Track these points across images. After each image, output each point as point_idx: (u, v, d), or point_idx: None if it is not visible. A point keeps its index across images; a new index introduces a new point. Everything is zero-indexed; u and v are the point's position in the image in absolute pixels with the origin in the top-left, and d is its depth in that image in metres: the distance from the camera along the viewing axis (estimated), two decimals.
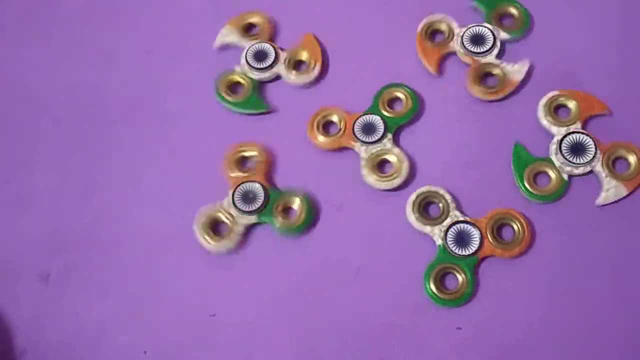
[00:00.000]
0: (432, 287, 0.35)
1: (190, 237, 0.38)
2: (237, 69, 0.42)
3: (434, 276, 0.36)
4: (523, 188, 0.37)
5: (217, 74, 0.42)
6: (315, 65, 0.42)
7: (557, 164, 0.38)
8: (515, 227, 0.36)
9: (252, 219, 0.38)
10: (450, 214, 0.37)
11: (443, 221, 0.37)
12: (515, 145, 0.38)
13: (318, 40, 0.43)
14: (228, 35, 0.43)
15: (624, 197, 0.37)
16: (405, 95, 0.40)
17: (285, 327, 0.36)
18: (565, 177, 0.37)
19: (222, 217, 0.38)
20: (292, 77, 0.42)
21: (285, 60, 0.42)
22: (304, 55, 0.42)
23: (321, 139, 0.39)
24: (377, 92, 0.40)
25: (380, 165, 0.39)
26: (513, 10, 0.42)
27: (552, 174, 0.38)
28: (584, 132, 0.38)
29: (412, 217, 0.37)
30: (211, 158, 0.40)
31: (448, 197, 0.37)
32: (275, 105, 0.42)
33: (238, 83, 0.42)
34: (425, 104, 0.41)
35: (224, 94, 0.41)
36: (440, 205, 0.37)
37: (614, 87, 0.40)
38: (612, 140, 0.38)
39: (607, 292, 0.35)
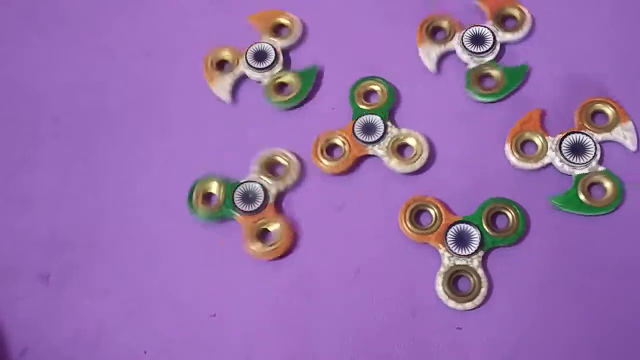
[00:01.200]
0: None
1: (190, 238, 0.38)
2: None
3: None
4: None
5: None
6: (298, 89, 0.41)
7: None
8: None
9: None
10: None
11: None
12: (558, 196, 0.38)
13: None
14: (258, 20, 0.43)
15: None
16: (382, 88, 0.40)
17: (285, 327, 0.36)
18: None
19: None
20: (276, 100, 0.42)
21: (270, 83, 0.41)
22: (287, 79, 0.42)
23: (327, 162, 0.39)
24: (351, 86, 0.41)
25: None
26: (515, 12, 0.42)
27: (608, 186, 0.37)
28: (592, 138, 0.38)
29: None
30: (211, 158, 0.40)
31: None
32: (275, 104, 0.42)
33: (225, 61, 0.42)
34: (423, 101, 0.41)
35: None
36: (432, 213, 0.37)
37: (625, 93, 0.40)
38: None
39: (601, 291, 0.36)
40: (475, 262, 0.36)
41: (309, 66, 0.42)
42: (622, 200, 0.37)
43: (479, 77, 0.40)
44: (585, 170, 0.37)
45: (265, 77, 0.42)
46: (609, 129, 0.38)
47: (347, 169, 0.39)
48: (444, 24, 0.42)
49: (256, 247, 0.37)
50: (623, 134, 0.38)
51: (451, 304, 0.35)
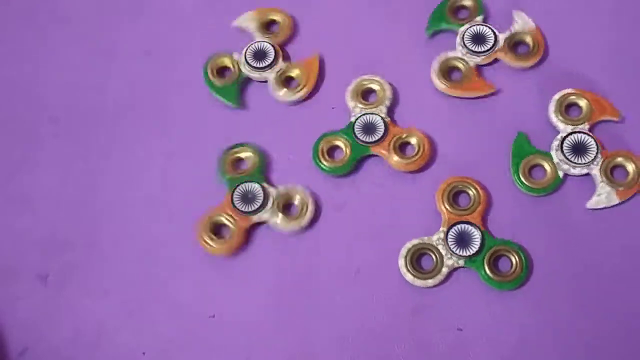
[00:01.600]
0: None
1: (189, 238, 0.38)
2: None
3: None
4: (516, 177, 0.37)
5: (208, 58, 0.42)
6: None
7: (555, 160, 0.37)
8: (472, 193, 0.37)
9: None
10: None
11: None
12: (518, 134, 0.38)
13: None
14: (248, 21, 0.43)
15: (615, 205, 0.37)
16: (381, 86, 0.40)
17: (284, 327, 0.36)
18: (561, 174, 0.37)
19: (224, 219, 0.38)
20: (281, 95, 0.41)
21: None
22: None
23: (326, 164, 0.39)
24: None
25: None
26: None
27: (548, 169, 0.38)
28: (589, 133, 0.38)
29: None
30: (211, 158, 0.40)
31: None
32: (275, 103, 0.42)
33: (226, 67, 0.42)
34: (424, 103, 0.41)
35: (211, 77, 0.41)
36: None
37: (629, 93, 0.40)
38: (617, 147, 0.38)
39: (603, 290, 0.36)
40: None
41: (310, 56, 0.42)
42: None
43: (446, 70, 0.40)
44: None
45: (272, 73, 0.42)
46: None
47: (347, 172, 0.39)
48: (468, 2, 0.42)
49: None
50: None
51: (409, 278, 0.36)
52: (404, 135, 0.39)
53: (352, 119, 0.39)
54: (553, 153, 0.38)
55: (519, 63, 0.40)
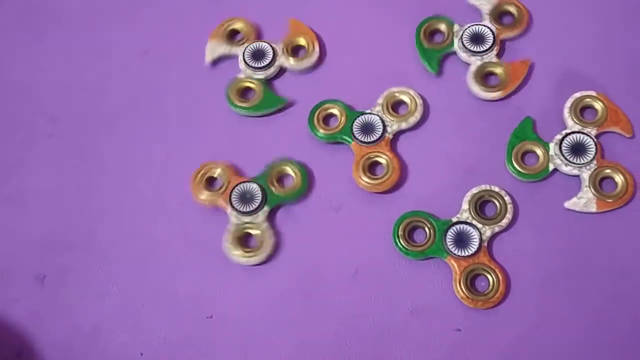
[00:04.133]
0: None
1: (187, 238, 0.38)
2: (241, 75, 0.42)
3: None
4: (508, 156, 0.38)
5: (227, 84, 0.41)
6: (314, 47, 0.42)
7: (551, 152, 0.38)
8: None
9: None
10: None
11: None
12: (525, 118, 0.39)
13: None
14: (215, 49, 0.43)
15: (591, 213, 0.37)
16: (411, 99, 0.40)
17: (283, 328, 0.36)
18: (551, 167, 0.37)
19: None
20: (292, 63, 0.42)
21: (283, 49, 0.42)
22: (301, 41, 0.42)
23: (322, 132, 0.40)
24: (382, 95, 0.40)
25: (371, 167, 0.39)
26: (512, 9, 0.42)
27: (540, 158, 0.38)
28: (593, 138, 0.38)
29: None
30: (209, 158, 0.40)
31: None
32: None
33: (248, 88, 0.42)
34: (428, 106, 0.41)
35: (236, 102, 0.41)
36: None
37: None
38: (616, 161, 0.38)
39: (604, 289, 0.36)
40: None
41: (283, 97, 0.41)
42: None
43: (482, 76, 0.40)
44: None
45: (264, 74, 0.42)
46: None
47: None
48: (442, 26, 0.42)
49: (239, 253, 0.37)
50: None
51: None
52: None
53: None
54: (552, 145, 0.38)
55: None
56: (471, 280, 0.36)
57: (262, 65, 0.42)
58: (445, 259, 0.36)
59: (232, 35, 0.44)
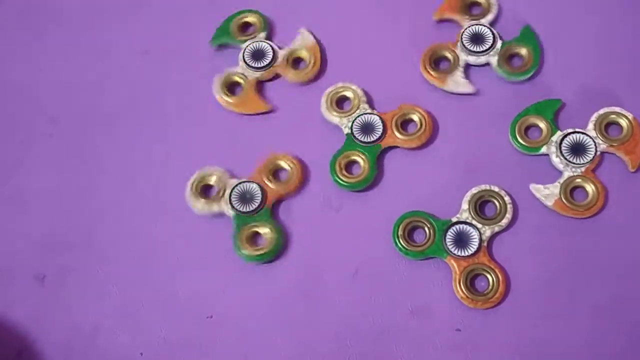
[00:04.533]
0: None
1: (187, 239, 0.38)
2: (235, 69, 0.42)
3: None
4: (512, 125, 0.38)
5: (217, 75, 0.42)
6: (314, 62, 0.41)
7: (552, 150, 0.38)
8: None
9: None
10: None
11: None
12: (556, 100, 0.39)
13: (315, 38, 0.42)
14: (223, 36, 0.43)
15: (548, 210, 0.37)
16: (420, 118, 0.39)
17: (283, 328, 0.36)
18: (544, 149, 0.38)
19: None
20: (290, 75, 0.41)
21: (284, 58, 0.42)
22: (302, 53, 0.42)
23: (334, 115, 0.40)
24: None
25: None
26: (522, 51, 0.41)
27: (544, 131, 0.38)
28: (594, 139, 0.38)
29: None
30: (209, 158, 0.40)
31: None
32: (276, 104, 0.41)
33: (237, 84, 0.42)
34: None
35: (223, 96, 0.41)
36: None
37: None
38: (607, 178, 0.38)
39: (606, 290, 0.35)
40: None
41: None
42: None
43: (506, 58, 0.40)
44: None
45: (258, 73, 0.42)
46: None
47: None
48: (446, 53, 0.41)
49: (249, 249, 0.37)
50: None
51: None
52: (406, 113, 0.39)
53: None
54: (552, 144, 0.38)
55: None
56: (471, 280, 0.36)
57: (259, 65, 0.42)
58: (445, 259, 0.36)
59: (244, 28, 0.44)
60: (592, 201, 0.37)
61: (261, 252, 0.37)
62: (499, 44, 0.40)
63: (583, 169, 0.37)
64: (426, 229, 0.37)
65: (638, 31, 0.41)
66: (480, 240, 0.36)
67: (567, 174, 0.37)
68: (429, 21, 0.42)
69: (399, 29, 0.43)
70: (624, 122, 0.38)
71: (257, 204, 0.38)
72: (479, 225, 0.36)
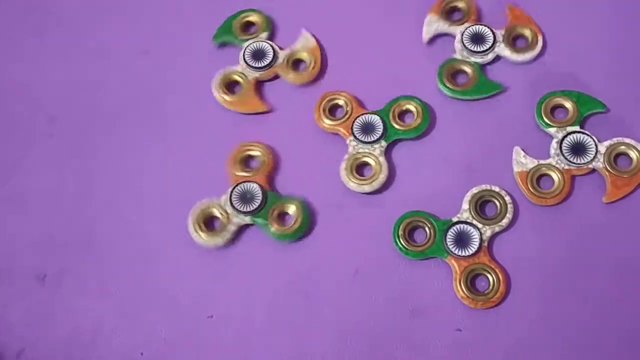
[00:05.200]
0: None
1: (187, 239, 0.38)
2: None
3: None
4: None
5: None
6: (314, 64, 0.41)
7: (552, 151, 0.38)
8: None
9: (247, 219, 0.38)
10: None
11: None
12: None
13: (317, 40, 0.42)
14: (432, 24, 0.42)
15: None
16: (417, 109, 0.40)
17: (283, 328, 0.36)
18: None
19: (217, 212, 0.38)
20: (290, 76, 0.41)
21: (285, 59, 0.42)
22: (303, 55, 0.42)
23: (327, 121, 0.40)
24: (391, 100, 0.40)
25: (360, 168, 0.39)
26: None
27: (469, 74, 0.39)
28: (593, 138, 0.38)
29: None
30: (208, 158, 0.40)
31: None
32: (275, 104, 0.41)
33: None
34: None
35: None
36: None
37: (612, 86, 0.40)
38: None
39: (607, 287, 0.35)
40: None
41: None
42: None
43: (451, 73, 0.40)
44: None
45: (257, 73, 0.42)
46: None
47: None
48: (462, 4, 0.42)
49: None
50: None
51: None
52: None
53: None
54: (553, 144, 0.38)
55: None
56: (471, 280, 0.36)
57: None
58: (446, 258, 0.36)
59: (246, 28, 0.44)
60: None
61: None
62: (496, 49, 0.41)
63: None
64: (427, 228, 0.37)
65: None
66: (481, 240, 0.36)
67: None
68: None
69: (402, 29, 0.43)
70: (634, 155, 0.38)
71: (257, 204, 0.38)
72: (480, 225, 0.36)
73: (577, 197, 0.37)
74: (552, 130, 0.38)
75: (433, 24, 0.41)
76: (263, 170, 0.39)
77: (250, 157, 0.40)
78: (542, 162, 0.38)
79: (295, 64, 0.42)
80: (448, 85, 0.40)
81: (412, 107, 0.40)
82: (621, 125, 0.39)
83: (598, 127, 0.39)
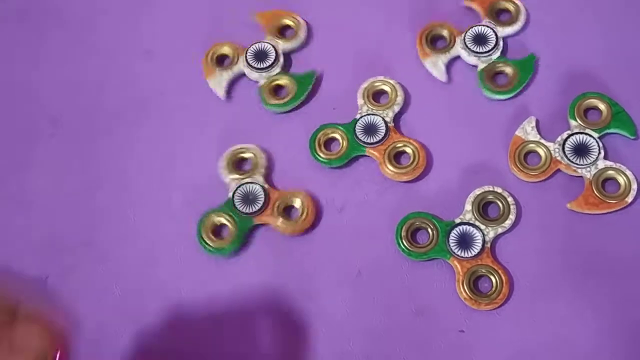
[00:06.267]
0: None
1: (188, 238, 0.38)
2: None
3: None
4: None
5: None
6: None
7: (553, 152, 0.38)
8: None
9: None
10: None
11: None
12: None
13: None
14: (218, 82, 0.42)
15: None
16: (391, 88, 0.40)
17: (286, 329, 0.36)
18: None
19: (224, 220, 0.38)
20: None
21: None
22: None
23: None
24: None
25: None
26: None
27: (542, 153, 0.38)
28: (597, 139, 0.38)
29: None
30: (210, 158, 0.40)
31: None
32: (269, 107, 0.41)
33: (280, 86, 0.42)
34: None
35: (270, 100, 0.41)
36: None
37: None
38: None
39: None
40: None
41: (308, 71, 0.41)
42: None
43: (491, 76, 0.40)
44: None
45: (262, 78, 0.41)
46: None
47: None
48: (444, 32, 0.42)
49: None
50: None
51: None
52: (400, 145, 0.39)
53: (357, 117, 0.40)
54: (555, 145, 0.38)
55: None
56: (474, 281, 0.36)
57: (262, 66, 0.41)
58: (449, 260, 0.36)
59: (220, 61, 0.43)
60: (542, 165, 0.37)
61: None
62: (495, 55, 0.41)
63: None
64: (429, 230, 0.37)
65: None
66: (484, 241, 0.36)
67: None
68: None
69: (401, 28, 0.43)
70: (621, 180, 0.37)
71: (260, 205, 0.38)
72: (483, 227, 0.36)
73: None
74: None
75: (437, 64, 0.41)
76: (259, 170, 0.39)
77: (244, 159, 0.40)
78: (543, 141, 0.38)
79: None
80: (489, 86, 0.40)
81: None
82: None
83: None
